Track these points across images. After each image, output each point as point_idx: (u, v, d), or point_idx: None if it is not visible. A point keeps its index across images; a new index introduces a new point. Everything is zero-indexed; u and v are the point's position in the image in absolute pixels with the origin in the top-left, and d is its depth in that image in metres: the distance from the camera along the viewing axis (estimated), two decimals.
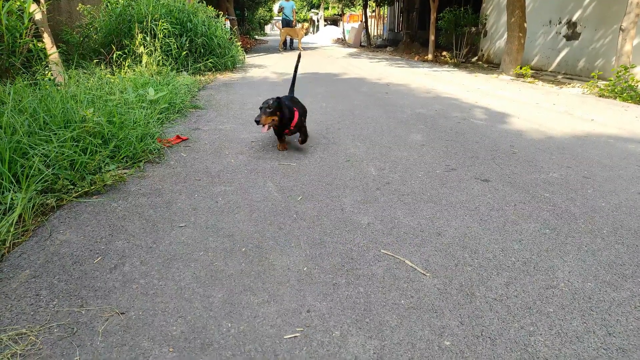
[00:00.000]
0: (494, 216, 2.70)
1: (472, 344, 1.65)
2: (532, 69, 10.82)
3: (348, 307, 1.86)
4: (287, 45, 19.74)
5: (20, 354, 1.53)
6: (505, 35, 10.98)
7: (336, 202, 2.88)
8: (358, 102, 6.47)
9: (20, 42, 4.32)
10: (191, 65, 8.57)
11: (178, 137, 4.21)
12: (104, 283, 1.95)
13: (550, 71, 11.65)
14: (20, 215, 2.39)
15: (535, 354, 1.60)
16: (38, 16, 4.98)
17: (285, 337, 1.68)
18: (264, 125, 3.46)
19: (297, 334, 1.69)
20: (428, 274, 2.10)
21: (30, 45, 4.56)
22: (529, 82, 9.66)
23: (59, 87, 4.26)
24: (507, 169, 3.57)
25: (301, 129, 3.88)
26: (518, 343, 1.65)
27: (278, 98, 3.58)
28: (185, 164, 3.52)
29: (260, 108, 3.49)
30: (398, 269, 2.14)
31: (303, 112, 3.93)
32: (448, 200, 2.93)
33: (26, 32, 4.39)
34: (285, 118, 3.59)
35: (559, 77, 10.65)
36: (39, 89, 4.00)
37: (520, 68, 10.30)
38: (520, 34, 10.36)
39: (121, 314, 1.76)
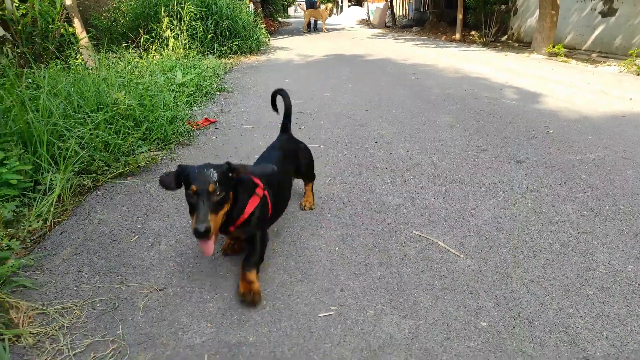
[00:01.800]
0: (529, 197, 2.64)
1: (509, 325, 1.63)
2: (565, 48, 10.43)
3: (381, 286, 1.86)
4: (311, 27, 19.55)
5: (67, 326, 1.59)
6: (537, 13, 10.59)
7: (365, 183, 2.86)
8: (384, 83, 6.38)
9: (52, 27, 4.40)
10: (217, 48, 8.59)
11: (206, 119, 4.25)
12: (141, 261, 2.00)
13: (584, 49, 11.20)
14: (59, 196, 2.46)
15: (576, 336, 1.57)
16: (68, 1, 5.06)
17: (319, 315, 1.69)
18: (210, 239, 1.63)
19: (332, 313, 1.70)
20: (462, 255, 2.07)
21: (62, 30, 4.64)
22: (561, 61, 9.32)
23: (90, 71, 4.33)
24: (541, 149, 3.47)
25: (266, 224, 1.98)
26: (557, 325, 1.62)
27: (228, 163, 1.79)
28: (215, 146, 3.55)
29: (195, 193, 1.60)
30: (431, 250, 2.12)
31: (306, 162, 2.45)
32: (480, 181, 2.87)
33: (58, 17, 4.46)
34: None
35: (594, 55, 10.24)
36: (72, 72, 4.08)
37: (553, 47, 9.94)
38: (553, 11, 9.97)
39: (160, 290, 1.81)
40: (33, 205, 2.33)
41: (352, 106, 4.93)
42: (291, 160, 2.30)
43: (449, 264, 2.01)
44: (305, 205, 2.51)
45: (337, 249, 2.13)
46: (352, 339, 1.57)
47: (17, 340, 1.51)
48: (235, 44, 9.16)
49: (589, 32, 11.14)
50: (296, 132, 3.93)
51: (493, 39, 13.96)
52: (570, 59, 9.56)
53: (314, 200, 2.55)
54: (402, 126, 4.13)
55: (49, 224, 2.26)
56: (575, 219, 2.39)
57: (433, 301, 1.76)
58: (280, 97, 2.40)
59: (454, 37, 15.00)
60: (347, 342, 1.56)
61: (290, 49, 11.43)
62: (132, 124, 3.34)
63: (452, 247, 2.14)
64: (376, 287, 1.85)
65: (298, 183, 2.64)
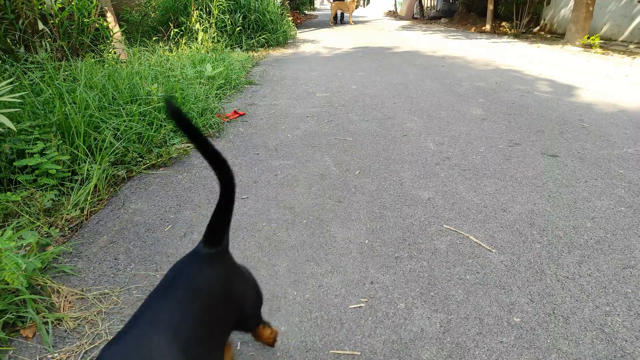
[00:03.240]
0: (564, 193, 2.57)
1: (543, 321, 1.60)
2: (600, 39, 10.06)
3: (412, 280, 1.85)
4: (337, 20, 19.43)
5: (104, 311, 1.65)
6: (571, 3, 10.23)
7: (395, 176, 2.85)
8: (413, 75, 6.30)
9: (88, 22, 4.51)
10: (245, 42, 8.64)
11: (235, 112, 4.29)
12: (175, 249, 2.05)
13: (622, 41, 10.78)
14: (95, 186, 2.53)
15: (613, 334, 1.53)
16: None
17: (350, 306, 1.70)
18: None
19: (362, 305, 1.71)
20: (494, 250, 2.04)
21: (97, 24, 4.75)
22: (597, 52, 9.00)
23: (123, 64, 4.43)
24: (576, 143, 3.37)
25: None
26: (594, 323, 1.58)
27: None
28: (244, 139, 3.59)
29: None
30: (462, 245, 2.09)
31: (252, 302, 1.23)
32: (513, 175, 2.81)
33: (93, 12, 4.57)
34: None
35: (631, 46, 9.84)
36: (106, 66, 4.18)
37: (588, 38, 9.59)
38: (589, 1, 9.62)
39: None
40: (71, 195, 2.41)
41: (380, 99, 4.89)
42: (221, 309, 1.02)
43: (481, 258, 1.98)
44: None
45: (366, 241, 2.13)
46: (383, 331, 1.58)
47: (59, 324, 1.58)
48: (263, 37, 9.19)
49: (627, 23, 10.71)
50: (323, 125, 3.93)
51: (525, 30, 13.59)
52: (606, 51, 9.22)
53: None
54: (431, 119, 4.08)
55: (85, 212, 2.33)
56: (612, 215, 2.32)
57: (465, 296, 1.75)
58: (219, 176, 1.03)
59: (484, 28, 14.66)
60: (378, 334, 1.56)
61: (317, 41, 11.41)
62: (164, 117, 3.40)
63: (483, 242, 2.11)
64: (406, 280, 1.85)
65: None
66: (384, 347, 1.51)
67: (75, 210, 2.29)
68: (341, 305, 1.71)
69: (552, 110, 4.31)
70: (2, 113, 2.22)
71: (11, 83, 2.78)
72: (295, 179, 2.82)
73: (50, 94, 2.98)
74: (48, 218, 2.22)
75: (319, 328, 1.59)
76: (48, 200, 2.26)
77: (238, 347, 1.50)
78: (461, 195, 2.57)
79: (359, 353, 1.48)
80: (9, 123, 2.14)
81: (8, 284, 1.52)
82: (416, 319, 1.63)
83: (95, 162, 2.64)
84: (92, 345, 1.49)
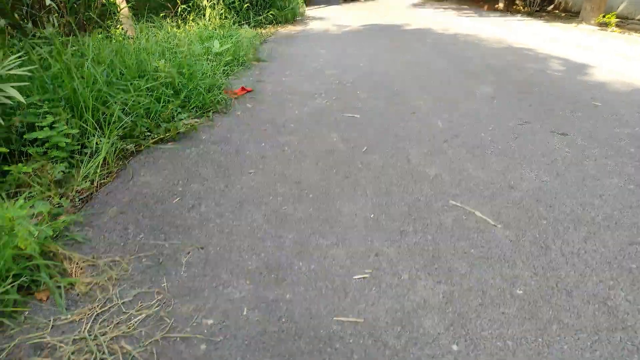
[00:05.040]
0: (572, 170, 2.56)
1: (546, 294, 1.61)
2: (617, 17, 9.80)
3: (416, 253, 1.87)
4: None
5: (115, 277, 1.69)
6: None
7: (402, 153, 2.84)
8: (423, 53, 6.22)
9: None
10: (252, 18, 8.55)
11: (243, 88, 4.28)
12: (183, 221, 2.08)
13: (639, 19, 10.50)
14: (104, 159, 2.56)
15: (615, 307, 1.54)
16: None
17: (354, 277, 1.72)
18: None
19: (366, 275, 1.73)
20: (499, 226, 2.05)
21: (103, 0, 4.73)
22: (613, 31, 8.79)
23: (131, 40, 4.42)
24: (587, 122, 3.33)
25: None
26: (597, 296, 1.60)
27: None
28: (252, 115, 3.59)
29: None
30: (467, 220, 2.10)
31: None
32: (521, 153, 2.80)
33: None
34: None
35: None
36: (113, 41, 4.17)
37: (604, 16, 9.36)
38: None
39: (201, 248, 1.88)
40: (80, 167, 2.44)
41: (390, 77, 4.85)
42: None
43: (486, 233, 1.99)
44: None
45: (372, 215, 2.14)
46: (386, 300, 1.60)
47: (71, 288, 1.62)
48: (271, 14, 9.09)
49: None
50: (331, 102, 3.92)
51: (539, 9, 13.28)
52: (622, 29, 9.00)
53: None
54: (440, 97, 4.04)
55: (95, 184, 2.37)
56: (621, 193, 2.31)
57: (468, 268, 1.76)
58: None
59: (497, 6, 14.34)
60: (381, 304, 1.59)
61: (326, 19, 11.25)
62: (172, 92, 3.41)
63: (489, 217, 2.11)
64: (411, 253, 1.87)
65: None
66: (387, 316, 1.53)
67: (85, 182, 2.33)
68: (346, 275, 1.73)
69: (564, 89, 4.24)
70: (11, 86, 2.24)
71: (20, 57, 2.79)
72: (303, 154, 2.83)
73: (59, 69, 2.99)
74: (59, 189, 2.25)
75: (324, 297, 1.62)
76: (58, 172, 2.30)
77: (244, 313, 1.54)
78: (468, 172, 2.57)
79: (362, 320, 1.51)
80: (18, 96, 2.17)
81: (21, 250, 1.56)
82: (419, 290, 1.65)
83: (104, 136, 2.66)
84: (104, 309, 1.54)
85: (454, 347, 1.41)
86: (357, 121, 3.42)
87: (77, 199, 2.22)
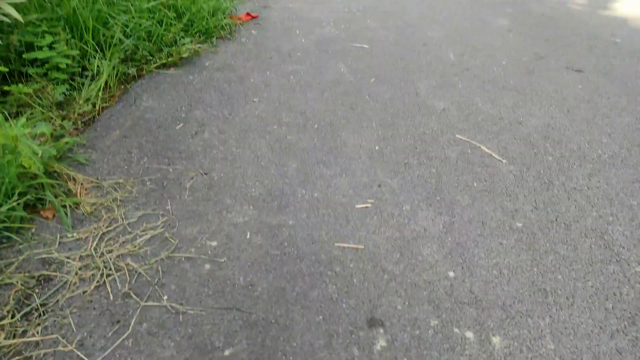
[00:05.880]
0: (584, 108, 2.49)
1: (545, 227, 1.63)
2: None
3: (419, 185, 1.87)
4: None
5: (120, 199, 1.71)
6: None
7: (410, 86, 2.77)
8: None
9: None
10: None
11: (248, 14, 4.10)
12: (187, 147, 2.07)
13: None
14: (106, 82, 2.51)
15: (612, 241, 1.56)
16: None
17: (356, 206, 1.74)
18: None
19: (369, 205, 1.74)
20: (504, 160, 2.03)
21: None
22: None
23: None
24: (604, 59, 3.20)
25: None
26: (595, 230, 1.61)
27: None
28: (256, 42, 3.46)
29: None
30: (473, 154, 2.08)
31: None
32: (533, 89, 2.72)
33: None
34: None
35: None
36: None
37: None
38: None
39: (204, 174, 1.89)
40: (82, 90, 2.40)
41: (402, 6, 4.61)
42: None
43: (490, 168, 1.98)
44: None
45: (377, 147, 2.13)
46: (387, 229, 1.63)
47: (76, 208, 1.65)
48: None
49: None
50: (340, 31, 3.76)
51: None
52: None
53: None
54: (453, 29, 3.87)
55: (97, 108, 2.34)
56: (630, 132, 2.26)
57: (470, 201, 1.77)
58: None
59: None
60: (382, 232, 1.61)
61: None
62: (175, 15, 3.27)
63: (495, 152, 2.09)
64: (414, 185, 1.87)
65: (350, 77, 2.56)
66: (387, 243, 1.56)
67: (87, 105, 2.30)
68: (348, 204, 1.75)
69: (583, 24, 4.04)
70: (8, 3, 2.15)
71: None
72: (308, 84, 2.76)
73: None
74: (60, 111, 2.23)
75: (326, 224, 1.65)
76: (60, 94, 2.26)
77: (247, 237, 1.57)
78: (477, 106, 2.51)
79: (362, 247, 1.55)
80: (15, 14, 2.08)
81: (26, 169, 1.57)
82: (420, 220, 1.67)
83: (105, 59, 2.59)
84: (109, 228, 1.57)
85: (451, 274, 1.45)
86: (366, 51, 3.30)
87: (79, 122, 2.20)
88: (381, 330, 1.27)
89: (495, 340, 1.23)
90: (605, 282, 1.41)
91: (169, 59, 2.90)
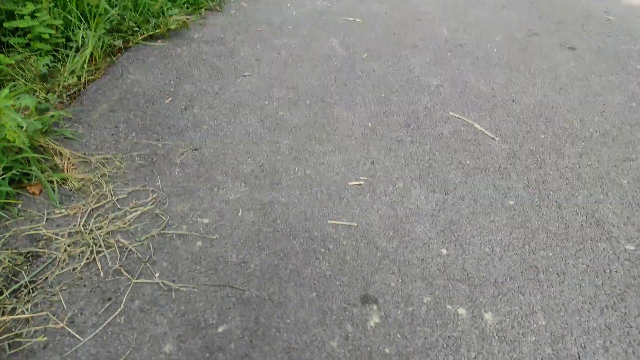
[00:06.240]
0: (576, 86, 2.49)
1: (536, 205, 1.64)
2: None
3: (412, 162, 1.86)
4: None
5: (108, 175, 1.68)
6: None
7: (404, 62, 2.73)
8: None
9: None
10: None
11: None
12: (176, 122, 2.02)
13: None
14: (91, 54, 2.43)
15: (602, 219, 1.58)
16: None
17: (349, 183, 1.73)
18: None
19: (362, 182, 1.73)
20: (497, 138, 2.02)
21: None
22: None
23: None
24: (597, 37, 3.18)
25: None
26: (585, 209, 1.63)
27: None
28: (246, 14, 3.37)
29: None
30: (466, 132, 2.07)
31: None
32: (526, 66, 2.70)
33: None
34: None
35: None
36: None
37: None
38: None
39: (195, 150, 1.85)
40: (66, 62, 2.32)
41: None
42: None
43: (483, 145, 1.98)
44: None
45: (369, 124, 2.10)
46: (380, 207, 1.62)
47: (63, 183, 1.61)
48: None
49: None
50: (332, 4, 3.68)
51: None
52: None
53: None
54: (447, 4, 3.81)
55: (82, 81, 2.27)
56: (622, 110, 2.27)
57: (463, 179, 1.77)
58: None
59: None
60: (375, 209, 1.61)
61: None
62: None
63: (488, 130, 2.08)
64: (407, 162, 1.86)
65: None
66: (380, 221, 1.56)
67: (72, 77, 2.22)
68: (341, 182, 1.73)
69: (577, 0, 4.00)
70: None
71: None
72: (300, 58, 2.70)
73: None
74: (44, 84, 2.16)
75: (318, 201, 1.63)
76: (43, 66, 2.18)
77: (240, 214, 1.56)
78: (470, 83, 2.49)
79: (355, 224, 1.54)
80: None
81: (10, 143, 1.52)
82: (413, 197, 1.67)
83: (90, 29, 2.50)
84: (98, 205, 1.54)
85: (444, 251, 1.45)
86: (359, 26, 3.24)
87: (64, 95, 2.14)
88: (374, 307, 1.27)
89: (488, 316, 1.25)
90: (596, 260, 1.43)
91: (156, 31, 2.82)
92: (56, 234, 1.43)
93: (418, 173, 1.80)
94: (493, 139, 2.02)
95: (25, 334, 1.16)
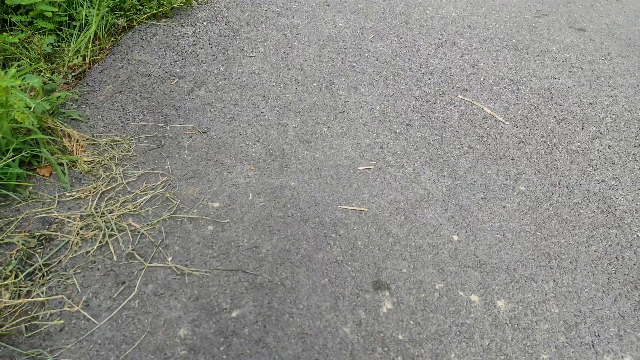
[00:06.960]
0: (586, 69, 2.46)
1: (548, 191, 1.64)
2: None
3: (421, 147, 1.85)
4: None
5: (117, 157, 1.66)
6: None
7: (411, 43, 2.69)
8: None
9: None
10: None
11: None
12: (183, 104, 2.00)
13: None
14: (95, 33, 2.39)
15: (614, 206, 1.58)
16: None
17: (359, 168, 1.72)
18: None
19: (371, 167, 1.72)
20: (507, 122, 2.01)
21: None
22: None
23: None
24: (607, 18, 3.13)
25: None
26: (597, 195, 1.62)
27: None
28: None
29: None
30: (475, 115, 2.05)
31: None
32: (535, 48, 2.66)
33: None
34: None
35: None
36: None
37: None
38: None
39: (203, 132, 1.84)
40: (70, 41, 2.28)
41: None
42: None
43: (493, 130, 1.96)
44: None
45: (378, 107, 2.08)
46: (390, 192, 1.62)
47: (73, 166, 1.60)
48: None
49: None
50: None
51: None
52: None
53: None
54: None
55: (87, 61, 2.24)
56: (633, 94, 2.25)
57: (473, 164, 1.76)
58: None
59: None
60: (385, 195, 1.60)
61: None
62: None
63: (497, 113, 2.06)
64: (416, 146, 1.85)
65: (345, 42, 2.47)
66: (390, 206, 1.56)
67: (77, 57, 2.19)
68: (350, 166, 1.73)
69: None
70: None
71: None
72: (306, 39, 2.66)
73: None
74: (49, 64, 2.13)
75: (328, 185, 1.63)
76: (47, 45, 2.15)
77: (250, 198, 1.55)
78: (479, 65, 2.46)
79: (366, 209, 1.54)
80: None
81: (19, 124, 1.51)
82: (423, 182, 1.66)
83: (93, 7, 2.45)
84: (108, 187, 1.54)
85: (455, 237, 1.46)
86: (365, 5, 3.18)
87: (69, 75, 2.11)
88: (387, 293, 1.28)
89: (500, 303, 1.26)
90: (608, 247, 1.43)
91: (160, 9, 2.77)
92: (68, 217, 1.43)
93: (428, 157, 1.79)
94: (503, 122, 2.00)
95: (42, 317, 1.17)
